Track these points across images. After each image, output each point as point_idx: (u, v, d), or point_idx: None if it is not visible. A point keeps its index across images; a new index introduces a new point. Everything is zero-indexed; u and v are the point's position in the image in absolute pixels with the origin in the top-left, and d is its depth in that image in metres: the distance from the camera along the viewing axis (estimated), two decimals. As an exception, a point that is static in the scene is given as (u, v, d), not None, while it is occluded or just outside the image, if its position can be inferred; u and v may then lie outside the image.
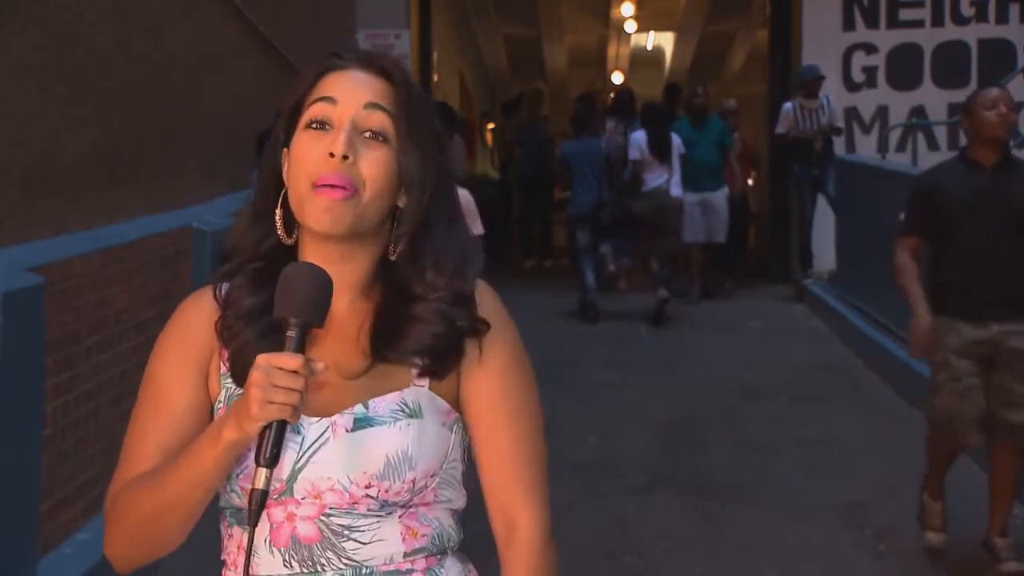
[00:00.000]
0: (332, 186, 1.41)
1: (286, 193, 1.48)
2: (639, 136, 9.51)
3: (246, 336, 1.44)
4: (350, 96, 1.45)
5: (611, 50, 22.89)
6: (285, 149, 1.49)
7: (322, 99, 1.46)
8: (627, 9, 19.02)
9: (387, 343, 1.46)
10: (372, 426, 1.43)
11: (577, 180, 9.65)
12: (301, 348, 1.34)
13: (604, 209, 9.49)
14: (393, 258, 1.48)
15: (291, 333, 1.34)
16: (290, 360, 1.31)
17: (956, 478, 4.79)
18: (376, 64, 1.49)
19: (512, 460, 1.52)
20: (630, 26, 20.40)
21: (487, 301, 1.52)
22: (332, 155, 1.42)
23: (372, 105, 1.45)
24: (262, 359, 1.32)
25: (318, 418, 1.44)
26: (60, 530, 3.95)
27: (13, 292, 3.45)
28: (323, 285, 1.37)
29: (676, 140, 9.56)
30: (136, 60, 5.11)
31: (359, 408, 1.44)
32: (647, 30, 21.79)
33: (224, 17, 6.73)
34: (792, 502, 5.22)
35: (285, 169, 1.48)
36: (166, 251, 5.13)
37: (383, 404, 1.45)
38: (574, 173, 9.63)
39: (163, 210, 5.37)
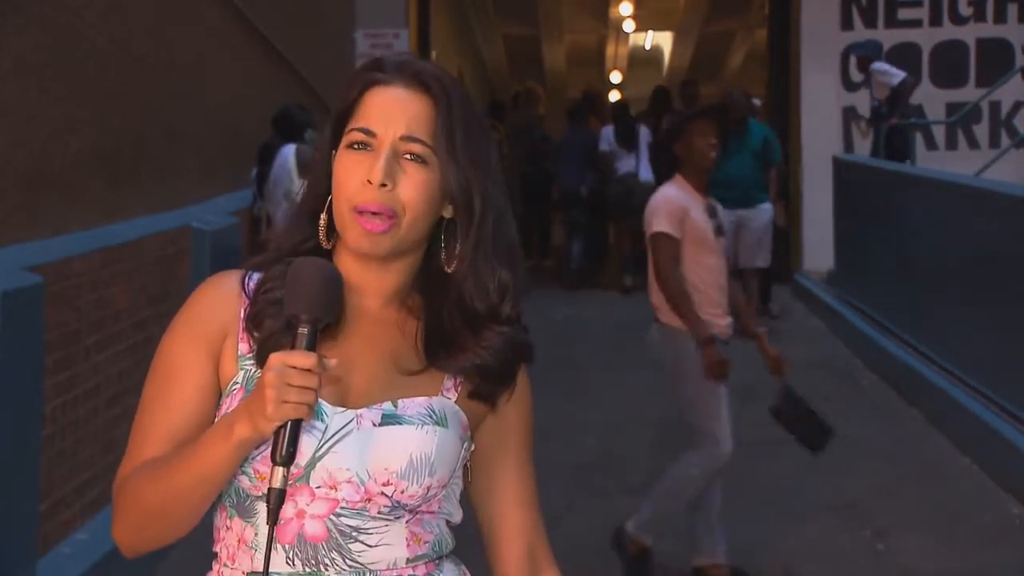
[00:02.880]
0: (372, 213, 1.44)
1: (332, 201, 1.49)
2: (607, 130, 10.90)
3: (273, 324, 1.44)
4: (389, 128, 1.45)
5: (610, 50, 22.93)
6: (334, 151, 1.51)
7: (361, 130, 1.46)
8: (626, 9, 19.04)
9: (446, 353, 1.49)
10: (400, 424, 1.45)
11: (564, 166, 11.43)
12: (313, 345, 1.35)
13: (582, 189, 11.22)
14: (450, 270, 1.50)
15: (302, 330, 1.34)
16: (303, 358, 1.31)
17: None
18: (418, 79, 1.48)
19: (535, 499, 1.61)
20: (629, 26, 20.42)
21: None
22: (370, 182, 1.43)
23: (408, 139, 1.46)
24: (275, 359, 1.32)
25: (343, 409, 1.45)
26: (59, 529, 3.95)
27: (12, 292, 3.45)
28: (331, 280, 1.37)
29: (644, 132, 10.69)
30: (136, 60, 5.11)
31: (387, 405, 1.46)
32: (646, 30, 21.84)
33: (223, 17, 6.74)
34: (791, 501, 5.22)
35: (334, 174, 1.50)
36: (165, 251, 5.13)
37: (412, 406, 1.47)
38: (564, 160, 11.39)
39: (162, 210, 5.37)
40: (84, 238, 4.33)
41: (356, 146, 1.46)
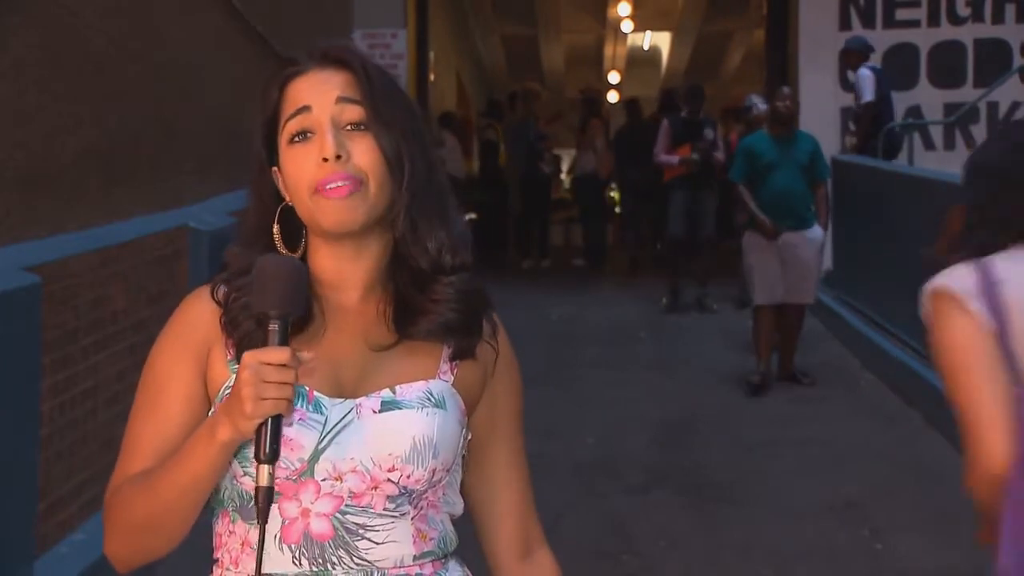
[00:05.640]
0: (336, 186, 1.43)
1: (283, 209, 1.50)
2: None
3: (248, 326, 1.44)
4: (320, 98, 1.47)
5: (608, 50, 22.91)
6: (274, 168, 1.51)
7: (298, 112, 1.47)
8: (624, 9, 19.03)
9: (410, 321, 1.49)
10: (400, 409, 1.45)
11: (619, 158, 12.53)
12: (285, 340, 1.35)
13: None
14: (397, 236, 1.50)
15: (273, 327, 1.35)
16: (277, 354, 1.32)
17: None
18: (332, 57, 1.50)
19: (528, 482, 1.62)
20: (627, 26, 20.41)
21: (500, 328, 1.58)
22: (326, 160, 1.43)
23: (343, 99, 1.47)
24: (248, 357, 1.32)
25: (341, 399, 1.45)
26: (57, 530, 3.95)
27: (10, 291, 3.45)
28: (296, 273, 1.38)
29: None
30: (133, 59, 5.10)
31: (386, 392, 1.46)
32: (644, 30, 21.82)
33: (222, 17, 6.73)
34: (789, 501, 5.22)
35: (281, 185, 1.51)
36: (163, 250, 5.13)
37: (410, 390, 1.47)
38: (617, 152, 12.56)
39: (160, 209, 5.37)
40: (82, 238, 4.33)
41: (297, 138, 1.46)
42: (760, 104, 8.82)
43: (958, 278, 2.08)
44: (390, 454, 1.43)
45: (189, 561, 1.51)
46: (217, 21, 6.67)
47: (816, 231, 7.30)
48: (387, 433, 1.43)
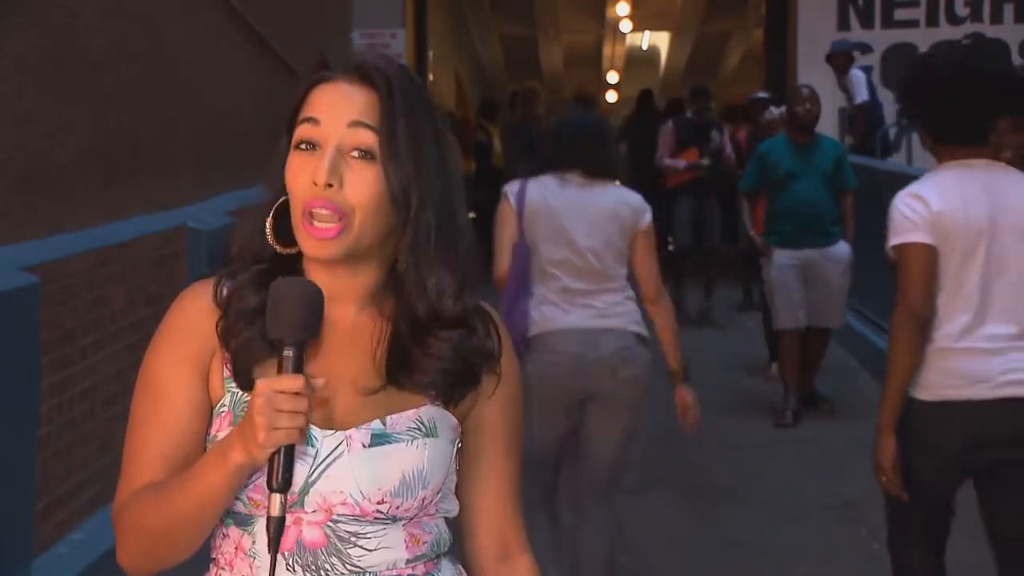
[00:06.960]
0: (321, 218, 1.40)
1: (282, 203, 1.47)
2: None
3: (247, 334, 1.42)
4: (334, 115, 1.42)
5: (607, 50, 22.95)
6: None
7: (307, 120, 1.44)
8: (623, 9, 19.05)
9: (402, 372, 1.46)
10: (390, 443, 1.43)
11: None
12: (300, 367, 1.33)
13: None
14: (400, 271, 1.47)
15: (288, 353, 1.33)
16: (291, 382, 1.30)
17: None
18: (361, 72, 1.45)
19: (511, 487, 1.58)
20: (626, 26, 20.44)
21: (501, 331, 1.54)
22: (316, 183, 1.40)
23: (355, 124, 1.42)
24: (262, 386, 1.31)
25: (332, 431, 1.43)
26: (55, 530, 3.95)
27: (8, 291, 3.45)
28: (313, 300, 1.35)
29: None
30: (132, 60, 5.11)
31: (376, 424, 1.44)
32: (642, 30, 21.85)
33: (220, 17, 6.73)
34: (787, 501, 5.23)
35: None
36: (162, 250, 5.13)
37: (400, 421, 1.45)
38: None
39: (159, 209, 5.37)
40: (80, 238, 4.33)
41: (303, 147, 1.43)
42: (773, 108, 8.19)
43: (512, 185, 3.86)
44: (379, 488, 1.42)
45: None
46: (217, 21, 6.67)
47: (842, 248, 6.60)
48: (377, 468, 1.42)
